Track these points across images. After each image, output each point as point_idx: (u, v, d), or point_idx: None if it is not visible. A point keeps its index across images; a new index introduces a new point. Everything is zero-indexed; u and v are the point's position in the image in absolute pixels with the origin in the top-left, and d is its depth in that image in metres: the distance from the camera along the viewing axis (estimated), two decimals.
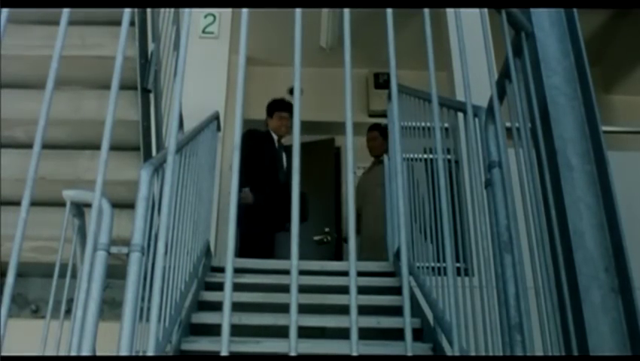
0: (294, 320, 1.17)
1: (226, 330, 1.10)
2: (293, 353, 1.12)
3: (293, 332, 1.15)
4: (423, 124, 4.58)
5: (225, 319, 1.10)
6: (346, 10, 1.49)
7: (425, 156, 4.48)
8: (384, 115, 6.67)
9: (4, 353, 0.99)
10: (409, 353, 1.28)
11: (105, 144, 1.13)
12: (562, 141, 2.16)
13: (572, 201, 2.10)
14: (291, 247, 1.24)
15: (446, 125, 4.14)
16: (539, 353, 1.95)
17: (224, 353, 1.07)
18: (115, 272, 3.26)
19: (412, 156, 4.82)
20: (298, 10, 1.46)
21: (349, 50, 1.46)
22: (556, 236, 1.98)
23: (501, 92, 2.38)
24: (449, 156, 4.04)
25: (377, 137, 7.14)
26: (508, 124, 2.30)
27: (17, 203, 1.17)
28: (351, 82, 1.46)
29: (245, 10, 1.39)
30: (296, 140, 1.33)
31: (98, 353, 2.66)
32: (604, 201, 2.12)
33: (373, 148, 7.18)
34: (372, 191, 6.85)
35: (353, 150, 1.43)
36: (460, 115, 3.94)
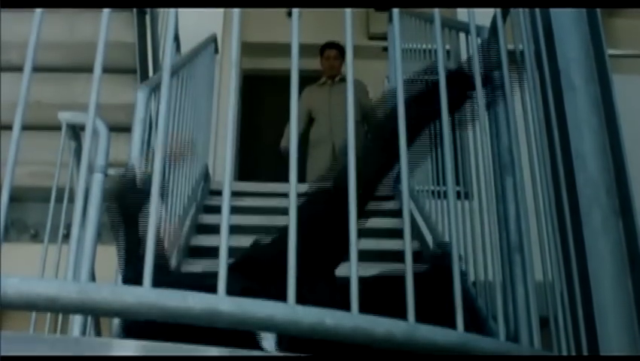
0: (292, 243, 1.15)
1: (223, 253, 1.08)
2: (292, 280, 1.11)
3: (292, 257, 1.14)
4: (424, 46, 4.52)
5: (223, 240, 1.09)
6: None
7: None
8: (384, 37, 6.57)
9: (4, 277, 0.97)
10: (410, 277, 1.27)
11: (99, 59, 1.09)
12: (565, 61, 2.12)
13: (575, 123, 2.07)
14: (289, 172, 1.22)
15: (447, 47, 4.08)
16: (538, 273, 1.94)
17: (222, 282, 1.06)
18: None
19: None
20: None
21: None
22: (558, 158, 1.96)
23: (504, 11, 2.33)
24: None
25: (338, 57, 6.68)
26: (511, 46, 2.25)
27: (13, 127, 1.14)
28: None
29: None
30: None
31: (98, 278, 2.68)
32: (607, 123, 2.09)
33: (332, 68, 6.71)
34: (333, 113, 6.44)
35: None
36: (462, 36, 3.87)
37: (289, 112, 1.34)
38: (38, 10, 1.19)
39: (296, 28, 1.36)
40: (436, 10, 1.67)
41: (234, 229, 1.33)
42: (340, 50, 6.69)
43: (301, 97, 6.29)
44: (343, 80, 6.45)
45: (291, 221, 1.17)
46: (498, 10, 2.02)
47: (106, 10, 1.19)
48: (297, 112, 1.30)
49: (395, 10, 1.56)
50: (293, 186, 1.19)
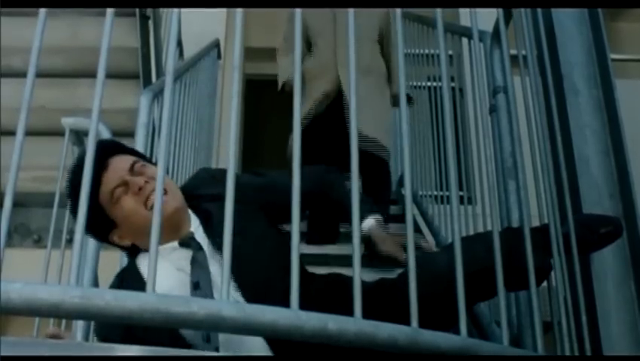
0: (295, 246, 1.15)
1: (227, 254, 1.08)
2: (295, 286, 1.11)
3: (295, 261, 1.13)
4: (426, 51, 4.52)
5: (226, 245, 1.09)
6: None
7: (429, 84, 4.43)
8: None
9: (7, 283, 0.98)
10: (413, 281, 1.27)
11: (102, 62, 1.09)
12: (568, 66, 2.12)
13: (578, 127, 2.07)
14: (293, 177, 1.22)
15: (449, 52, 4.08)
16: None
17: (226, 286, 1.06)
18: None
19: (415, 84, 4.76)
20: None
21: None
22: (561, 162, 1.96)
23: (507, 15, 2.34)
24: (452, 84, 3.98)
25: None
26: (514, 51, 2.26)
27: (16, 133, 1.14)
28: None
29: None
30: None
31: (101, 283, 2.68)
32: (610, 127, 2.09)
33: None
34: (340, 34, 4.27)
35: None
36: (464, 41, 3.87)
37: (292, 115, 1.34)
38: (42, 15, 1.19)
39: (299, 28, 1.36)
40: (438, 15, 1.67)
41: None
42: None
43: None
44: None
45: (294, 230, 1.17)
46: (501, 15, 2.02)
47: (109, 15, 1.19)
48: (299, 116, 1.29)
49: (398, 15, 1.55)
50: (296, 191, 1.19)
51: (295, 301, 1.08)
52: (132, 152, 2.04)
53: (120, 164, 1.91)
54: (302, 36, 4.04)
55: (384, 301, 1.80)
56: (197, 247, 1.89)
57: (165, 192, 1.77)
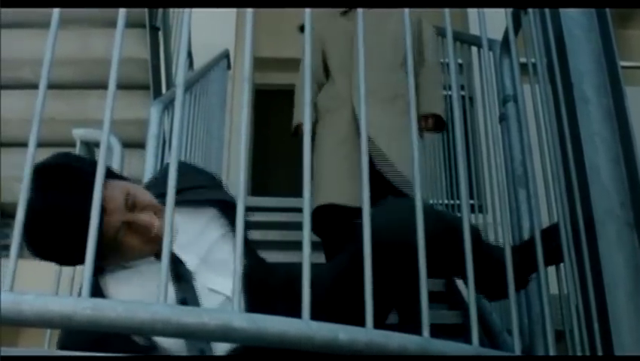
0: (307, 256, 1.15)
1: (238, 269, 1.08)
2: (306, 295, 1.11)
3: (306, 270, 1.13)
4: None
5: (238, 254, 1.09)
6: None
7: None
8: None
9: (19, 294, 0.98)
10: (425, 292, 1.27)
11: (113, 74, 1.10)
12: (578, 74, 2.12)
13: (588, 135, 2.07)
14: (303, 185, 1.22)
15: (459, 61, 4.08)
16: (553, 286, 1.94)
17: (237, 298, 1.06)
18: None
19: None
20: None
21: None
22: (572, 170, 1.95)
23: (516, 24, 2.34)
24: (462, 93, 3.97)
25: None
26: (523, 59, 2.26)
27: (26, 144, 1.15)
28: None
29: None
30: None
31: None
32: (620, 135, 2.09)
33: None
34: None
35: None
36: (474, 49, 3.87)
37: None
38: (53, 26, 1.19)
39: (309, 32, 1.36)
40: (447, 24, 1.67)
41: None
42: None
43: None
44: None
45: (305, 240, 1.17)
46: (510, 23, 2.02)
47: (120, 27, 1.20)
48: (309, 129, 1.29)
49: (407, 27, 1.55)
50: (306, 202, 1.19)
51: (306, 311, 1.08)
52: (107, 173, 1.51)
53: (113, 203, 1.71)
54: (321, 59, 3.86)
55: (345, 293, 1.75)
56: (179, 261, 1.78)
57: (155, 213, 1.75)
